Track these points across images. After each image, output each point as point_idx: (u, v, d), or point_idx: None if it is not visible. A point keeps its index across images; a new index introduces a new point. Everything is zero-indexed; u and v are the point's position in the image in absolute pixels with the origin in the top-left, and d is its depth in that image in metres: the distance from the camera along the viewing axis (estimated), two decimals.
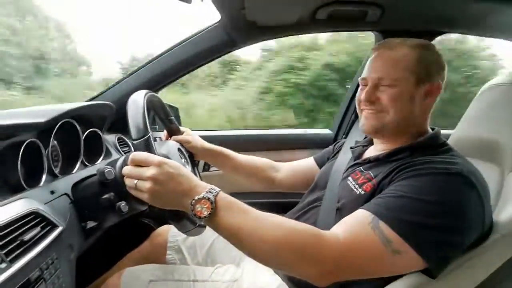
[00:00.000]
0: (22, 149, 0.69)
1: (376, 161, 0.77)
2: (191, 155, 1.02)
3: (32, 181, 0.73)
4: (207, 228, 0.62)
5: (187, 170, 0.64)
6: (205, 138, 1.06)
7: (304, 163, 1.10)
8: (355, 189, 0.73)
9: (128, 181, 0.63)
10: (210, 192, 0.59)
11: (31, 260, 0.55)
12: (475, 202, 0.60)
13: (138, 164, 0.62)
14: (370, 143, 0.89)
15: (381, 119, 0.76)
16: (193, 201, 0.58)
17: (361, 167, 0.78)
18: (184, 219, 0.66)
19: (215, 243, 1.01)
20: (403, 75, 0.73)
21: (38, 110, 0.86)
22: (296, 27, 1.25)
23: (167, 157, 0.77)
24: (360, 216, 0.61)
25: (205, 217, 0.58)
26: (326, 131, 1.72)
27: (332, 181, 0.83)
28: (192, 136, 1.03)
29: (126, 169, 0.63)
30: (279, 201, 1.51)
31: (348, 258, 0.57)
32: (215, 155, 1.05)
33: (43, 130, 0.78)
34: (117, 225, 0.88)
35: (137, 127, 0.65)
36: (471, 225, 0.60)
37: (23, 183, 0.69)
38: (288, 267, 0.59)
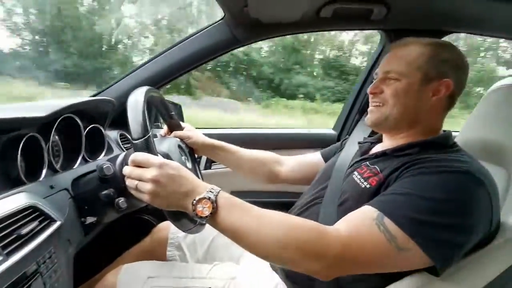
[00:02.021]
0: (22, 143, 0.69)
1: (383, 156, 0.75)
2: (192, 151, 1.01)
3: (32, 175, 0.73)
4: (207, 225, 0.62)
5: (188, 171, 0.63)
6: (207, 136, 1.05)
7: (310, 157, 1.08)
8: (360, 183, 0.72)
9: (128, 182, 0.63)
10: (211, 191, 0.59)
11: (28, 254, 0.55)
12: (483, 201, 0.59)
13: (139, 165, 0.61)
14: (379, 140, 0.87)
15: (382, 112, 0.76)
16: (194, 201, 0.58)
17: (367, 162, 0.77)
18: (183, 217, 0.66)
19: (215, 240, 1.00)
20: (409, 70, 0.72)
21: (39, 105, 0.86)
22: (300, 24, 1.24)
23: (168, 155, 0.77)
24: (365, 212, 0.61)
25: (206, 216, 0.58)
26: (330, 131, 1.71)
27: (335, 176, 0.82)
28: (193, 131, 1.02)
29: (127, 170, 0.63)
30: (281, 200, 1.50)
31: (350, 252, 0.57)
32: (217, 150, 1.04)
33: (44, 124, 0.78)
34: (117, 221, 0.88)
35: (137, 127, 0.64)
36: (478, 224, 0.59)
37: (22, 177, 0.69)
38: (291, 263, 0.59)
